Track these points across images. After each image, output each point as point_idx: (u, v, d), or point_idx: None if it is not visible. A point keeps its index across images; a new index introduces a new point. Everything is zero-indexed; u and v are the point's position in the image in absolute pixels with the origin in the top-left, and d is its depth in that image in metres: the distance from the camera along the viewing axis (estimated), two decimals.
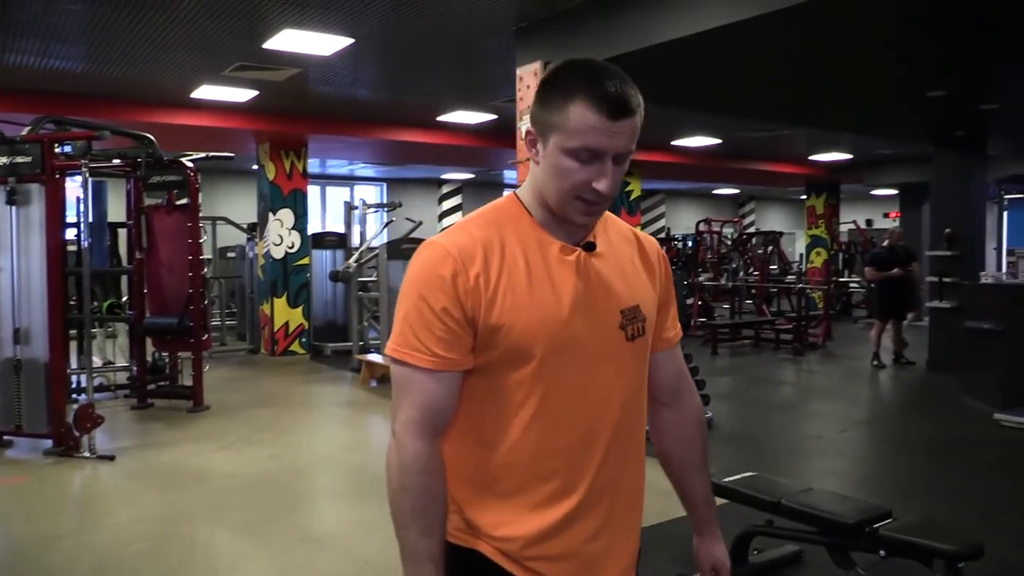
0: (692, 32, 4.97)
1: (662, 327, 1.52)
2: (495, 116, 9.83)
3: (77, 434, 5.75)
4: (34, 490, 5.06)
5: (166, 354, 8.05)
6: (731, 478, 3.54)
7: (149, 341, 7.69)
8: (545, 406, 1.32)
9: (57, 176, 6.07)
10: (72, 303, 7.40)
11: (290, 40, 6.30)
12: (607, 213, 1.48)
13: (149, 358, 7.99)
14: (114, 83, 7.93)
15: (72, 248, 7.10)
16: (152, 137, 6.95)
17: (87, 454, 5.69)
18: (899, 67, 6.57)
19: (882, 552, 2.87)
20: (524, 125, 6.01)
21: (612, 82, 1.24)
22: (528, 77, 5.94)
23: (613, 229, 1.47)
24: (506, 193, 1.43)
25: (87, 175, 5.85)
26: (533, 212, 1.38)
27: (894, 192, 18.41)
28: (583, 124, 1.24)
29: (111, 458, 5.65)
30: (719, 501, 3.58)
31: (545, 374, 1.31)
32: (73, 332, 7.16)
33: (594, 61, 1.29)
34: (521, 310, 1.29)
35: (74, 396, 6.99)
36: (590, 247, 1.38)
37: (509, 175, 15.89)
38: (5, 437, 6.02)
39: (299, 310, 10.98)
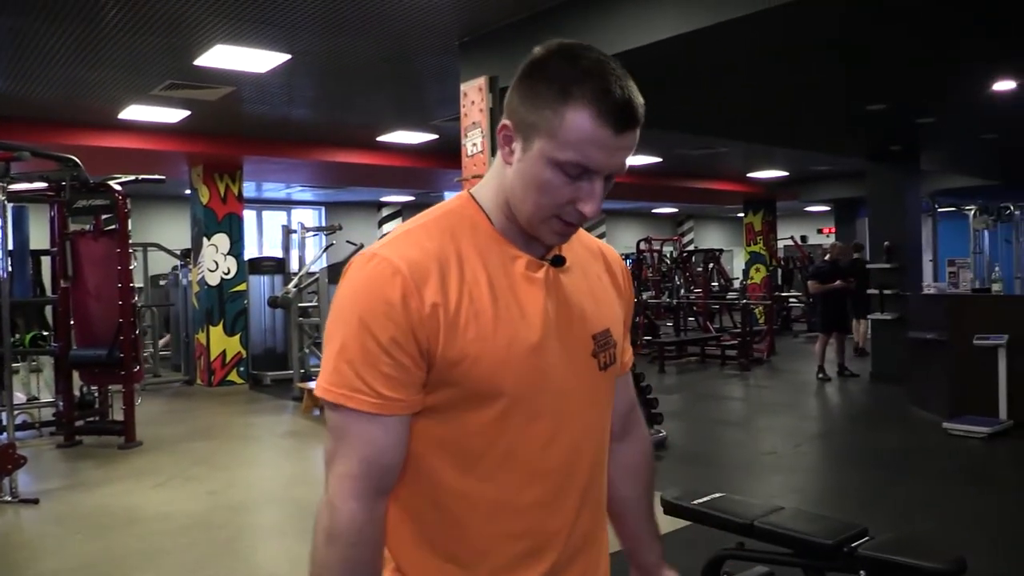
0: (631, 47, 4.90)
1: (621, 350, 1.32)
2: (436, 136, 9.68)
3: None
4: None
5: (95, 388, 7.63)
6: (698, 500, 3.40)
7: (76, 375, 7.28)
8: (512, 454, 1.11)
9: None
10: None
11: (223, 56, 6.05)
12: None
13: (77, 392, 7.56)
14: (38, 104, 7.55)
15: None
16: (77, 159, 6.59)
17: (8, 498, 5.29)
18: (841, 80, 6.63)
19: (862, 573, 2.76)
20: (469, 142, 5.87)
21: (619, 84, 1.03)
22: (472, 92, 5.79)
23: (576, 240, 1.25)
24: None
25: (4, 200, 5.48)
26: (493, 218, 1.14)
27: (827, 208, 18.82)
28: (581, 136, 1.02)
29: (35, 501, 5.27)
30: (683, 524, 3.47)
31: (513, 416, 1.09)
32: None
33: (595, 50, 1.06)
34: (487, 339, 1.07)
35: None
36: (559, 262, 1.17)
37: (451, 196, 15.70)
38: None
39: (236, 338, 10.58)
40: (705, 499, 3.44)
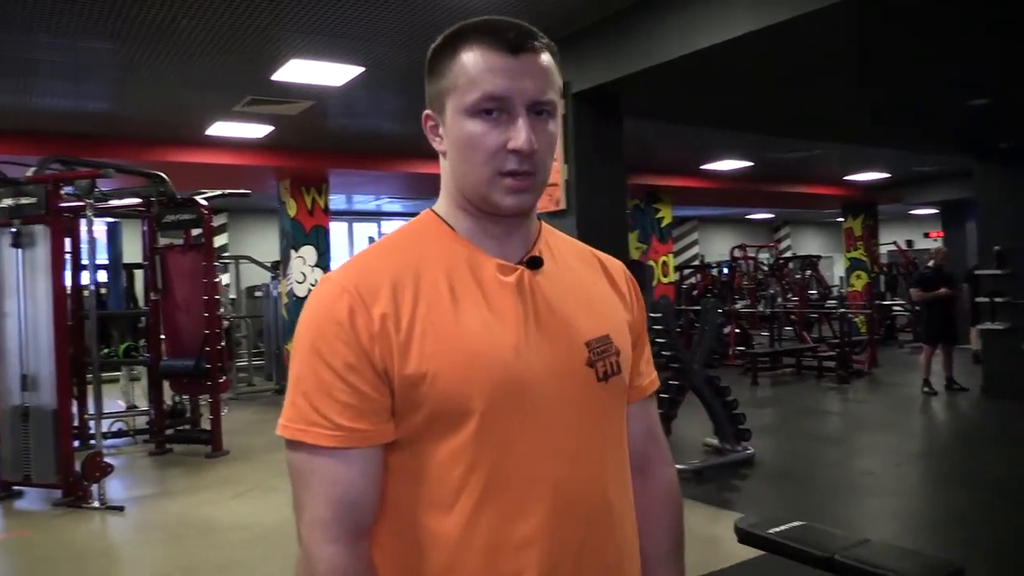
0: (711, 43, 4.64)
1: (634, 371, 1.18)
2: None
3: (86, 483, 5.52)
4: (34, 545, 4.80)
5: (186, 397, 7.84)
6: (776, 529, 3.16)
7: (167, 384, 7.49)
8: (496, 483, 0.97)
9: (68, 217, 5.95)
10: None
11: (298, 71, 6.10)
12: (554, 230, 1.15)
13: (169, 402, 7.79)
14: (134, 123, 7.81)
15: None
16: (164, 175, 6.80)
17: (96, 504, 5.45)
18: (940, 73, 6.18)
19: None
20: None
21: (501, 21, 1.01)
22: None
23: (564, 246, 1.15)
24: None
25: (91, 216, 5.66)
26: (455, 223, 1.06)
27: (934, 211, 17.83)
28: (478, 68, 0.99)
29: (120, 509, 5.40)
30: (758, 553, 3.23)
31: (490, 437, 0.96)
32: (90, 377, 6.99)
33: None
34: (447, 352, 0.96)
35: (92, 443, 6.79)
36: (535, 263, 1.06)
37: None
38: (14, 488, 5.81)
39: None
40: (783, 528, 3.19)
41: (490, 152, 0.99)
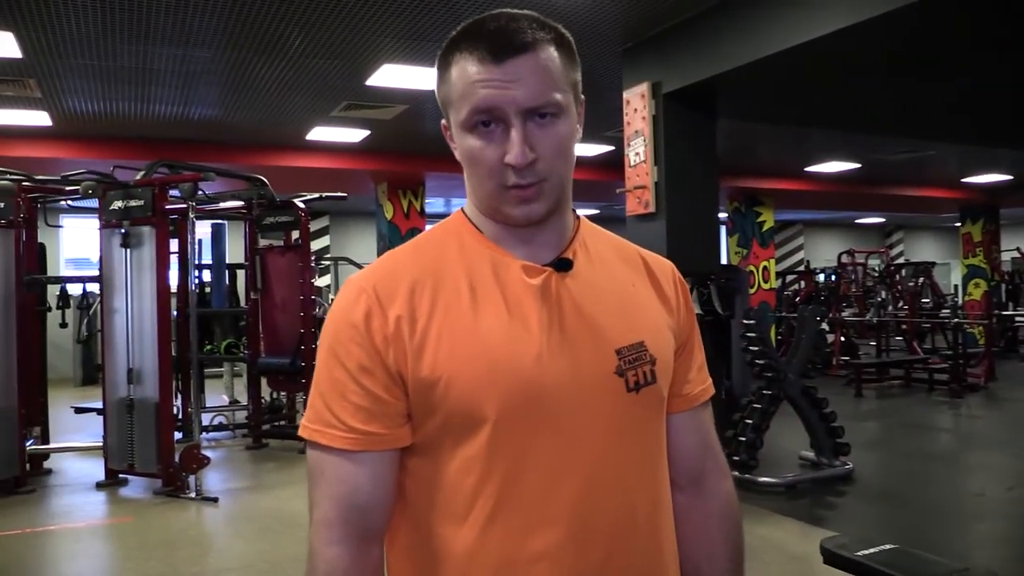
0: (807, 39, 4.42)
1: (681, 379, 1.10)
2: (612, 147, 9.47)
3: (184, 474, 5.74)
4: (133, 531, 5.02)
5: (283, 393, 8.08)
6: (865, 551, 2.96)
7: (265, 381, 7.73)
8: (510, 494, 0.93)
9: (173, 218, 6.21)
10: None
11: (391, 75, 6.20)
12: (598, 229, 1.08)
13: (267, 398, 8.04)
14: (239, 128, 8.13)
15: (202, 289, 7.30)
16: (264, 179, 7.02)
17: (192, 495, 5.66)
18: None
19: None
20: (632, 151, 5.63)
21: (494, 20, 0.95)
22: (635, 100, 5.56)
23: (606, 246, 1.08)
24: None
25: (193, 217, 5.89)
26: (481, 226, 1.02)
27: None
28: (464, 81, 0.94)
29: (215, 500, 5.59)
30: None
31: (504, 448, 0.92)
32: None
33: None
34: (462, 356, 0.92)
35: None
36: (564, 265, 1.00)
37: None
38: (120, 476, 6.10)
39: None
40: (874, 550, 2.99)
41: (491, 168, 0.95)
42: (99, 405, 6.45)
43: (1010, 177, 12.94)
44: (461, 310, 0.95)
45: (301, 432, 0.98)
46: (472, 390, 0.92)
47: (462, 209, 1.07)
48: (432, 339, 0.93)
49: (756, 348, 5.79)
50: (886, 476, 6.14)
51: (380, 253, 10.90)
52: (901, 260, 19.11)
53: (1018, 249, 16.21)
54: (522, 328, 0.95)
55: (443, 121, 1.03)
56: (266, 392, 7.91)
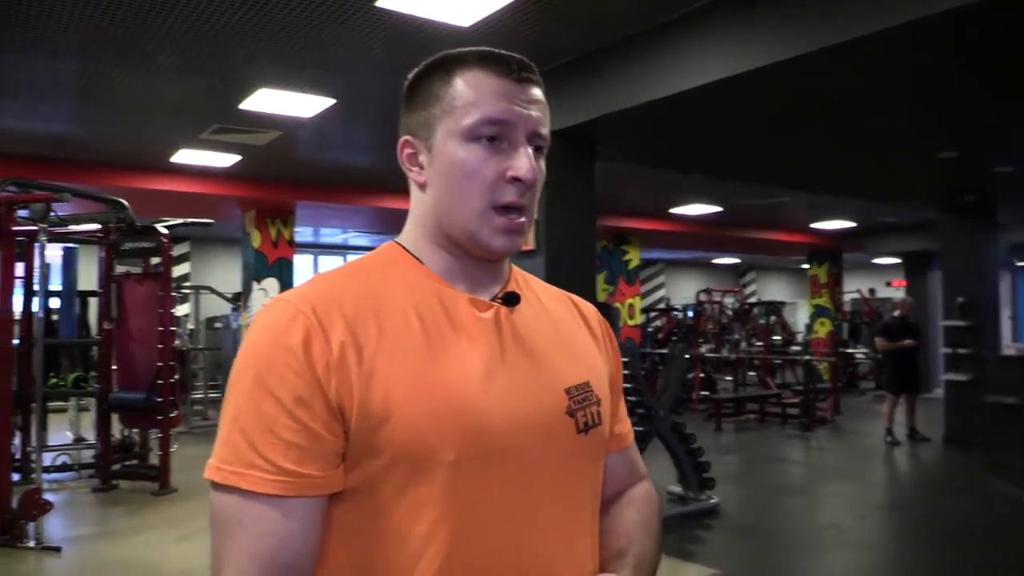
0: (682, 89, 4.65)
1: (614, 419, 1.07)
2: None
3: (22, 521, 5.24)
4: None
5: (135, 431, 7.56)
6: None
7: (116, 417, 7.21)
8: (463, 543, 0.84)
9: (21, 240, 5.75)
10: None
11: (267, 100, 6.00)
12: (524, 272, 1.06)
13: (118, 435, 7.50)
14: (96, 147, 7.64)
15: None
16: (124, 202, 6.60)
17: (32, 544, 5.16)
18: (910, 126, 6.24)
19: None
20: None
21: (501, 51, 0.95)
22: None
23: (537, 287, 1.06)
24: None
25: (44, 241, 5.46)
26: (424, 256, 0.95)
27: (897, 260, 18.11)
28: (480, 90, 0.91)
29: (57, 550, 5.12)
30: None
31: (461, 492, 0.84)
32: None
33: None
34: (417, 392, 0.84)
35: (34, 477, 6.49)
36: (512, 299, 0.96)
37: None
38: None
39: None
40: None
41: (487, 181, 0.90)
42: None
43: (853, 224, 13.93)
44: (412, 342, 0.87)
45: (211, 475, 0.84)
46: (427, 430, 0.83)
47: (395, 241, 1.00)
48: (381, 371, 0.84)
49: (628, 385, 5.89)
50: (748, 509, 6.37)
51: (246, 283, 10.57)
52: (754, 299, 20.17)
53: (859, 291, 17.46)
54: (478, 364, 0.89)
55: (406, 138, 0.97)
56: (116, 429, 7.38)
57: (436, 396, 0.85)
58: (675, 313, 16.72)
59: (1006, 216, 10.21)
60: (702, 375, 12.87)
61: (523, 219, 0.92)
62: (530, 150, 0.92)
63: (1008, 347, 7.76)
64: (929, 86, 5.11)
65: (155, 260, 7.17)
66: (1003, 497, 6.44)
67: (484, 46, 0.96)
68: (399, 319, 0.88)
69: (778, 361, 14.05)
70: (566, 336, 1.02)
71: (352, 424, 0.83)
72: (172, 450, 6.99)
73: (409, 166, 0.97)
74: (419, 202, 0.98)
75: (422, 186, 0.96)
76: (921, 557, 5.13)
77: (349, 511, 0.85)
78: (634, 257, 13.71)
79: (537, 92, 0.94)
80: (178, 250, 14.17)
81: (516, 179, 0.89)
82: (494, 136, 0.90)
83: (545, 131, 0.94)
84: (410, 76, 0.99)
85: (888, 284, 20.82)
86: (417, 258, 0.96)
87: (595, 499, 1.00)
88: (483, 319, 0.92)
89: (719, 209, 11.96)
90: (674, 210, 12.14)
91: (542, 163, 0.94)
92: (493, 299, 0.95)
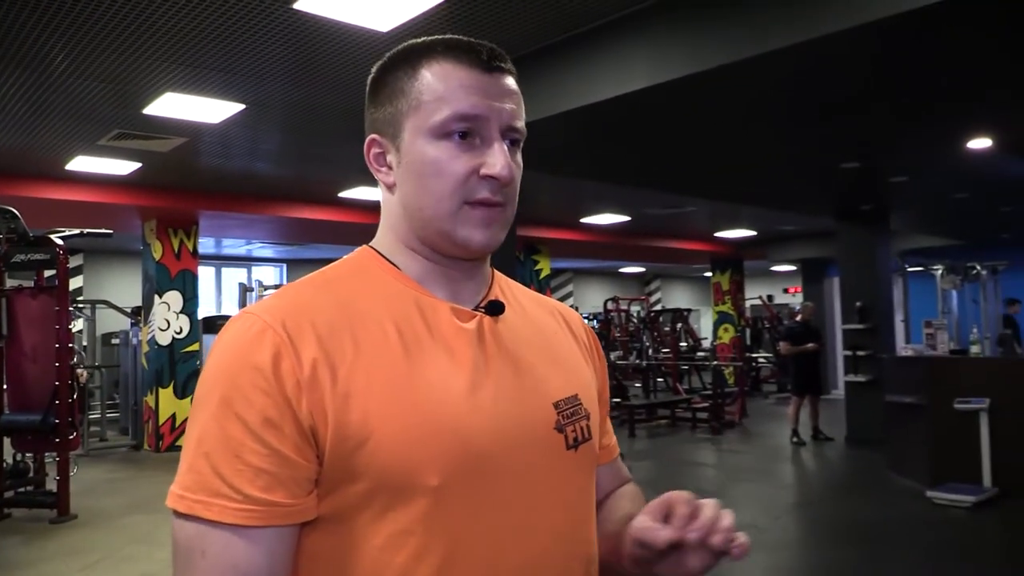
0: (597, 99, 4.73)
1: (601, 431, 1.02)
2: None
3: None
4: None
5: (30, 455, 7.10)
6: None
7: (8, 441, 6.76)
8: (450, 572, 0.79)
9: None
10: None
11: (173, 105, 5.75)
12: (507, 278, 1.01)
13: (9, 460, 7.02)
14: None
15: None
16: (15, 211, 6.22)
17: None
18: (813, 137, 6.48)
19: None
20: None
21: (470, 39, 0.89)
22: None
23: (520, 292, 1.01)
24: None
25: None
26: (401, 262, 0.90)
27: (793, 267, 18.84)
28: (447, 84, 0.85)
29: None
30: None
31: (447, 517, 0.79)
32: None
33: None
34: (399, 412, 0.78)
35: None
36: (496, 309, 0.90)
37: None
38: None
39: (187, 401, 10.06)
40: None
41: (458, 179, 0.85)
42: None
43: (754, 233, 14.42)
44: (391, 357, 0.81)
45: (174, 504, 0.77)
46: (409, 452, 0.78)
47: (369, 245, 0.94)
48: (359, 390, 0.78)
49: None
50: None
51: (147, 296, 10.11)
52: (660, 307, 20.60)
53: (760, 297, 18.05)
54: (462, 380, 0.83)
55: (372, 136, 0.91)
56: (8, 454, 6.92)
57: (417, 415, 0.79)
58: (586, 321, 16.91)
59: (898, 224, 10.77)
60: (613, 382, 13.04)
61: (500, 210, 0.88)
62: (505, 145, 0.87)
63: (904, 348, 8.13)
64: (828, 100, 5.31)
65: (49, 273, 6.78)
66: (905, 492, 6.74)
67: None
68: (376, 332, 0.82)
69: (686, 367, 14.37)
70: (553, 347, 0.97)
71: (327, 448, 0.77)
72: (71, 474, 6.61)
73: (376, 167, 0.91)
74: (389, 204, 0.93)
75: (391, 187, 0.91)
76: (844, 558, 5.26)
77: (322, 540, 0.79)
78: (545, 266, 13.81)
79: (510, 82, 0.89)
80: (71, 263, 13.47)
81: (490, 176, 0.85)
82: (466, 132, 0.85)
83: (520, 124, 0.89)
84: (374, 69, 0.93)
85: (785, 290, 21.64)
86: (393, 263, 0.91)
87: (589, 517, 0.95)
88: (465, 330, 0.87)
89: (627, 218, 12.17)
90: (584, 220, 12.28)
91: (519, 157, 0.90)
92: (476, 308, 0.90)
